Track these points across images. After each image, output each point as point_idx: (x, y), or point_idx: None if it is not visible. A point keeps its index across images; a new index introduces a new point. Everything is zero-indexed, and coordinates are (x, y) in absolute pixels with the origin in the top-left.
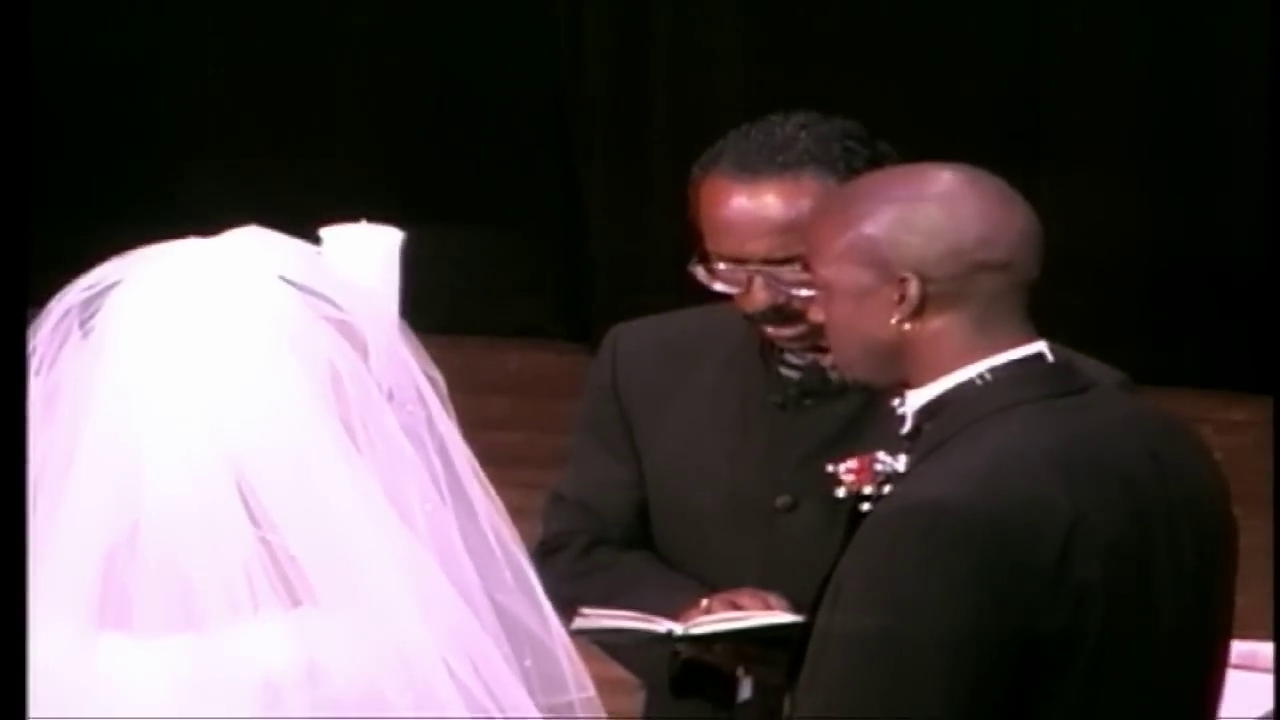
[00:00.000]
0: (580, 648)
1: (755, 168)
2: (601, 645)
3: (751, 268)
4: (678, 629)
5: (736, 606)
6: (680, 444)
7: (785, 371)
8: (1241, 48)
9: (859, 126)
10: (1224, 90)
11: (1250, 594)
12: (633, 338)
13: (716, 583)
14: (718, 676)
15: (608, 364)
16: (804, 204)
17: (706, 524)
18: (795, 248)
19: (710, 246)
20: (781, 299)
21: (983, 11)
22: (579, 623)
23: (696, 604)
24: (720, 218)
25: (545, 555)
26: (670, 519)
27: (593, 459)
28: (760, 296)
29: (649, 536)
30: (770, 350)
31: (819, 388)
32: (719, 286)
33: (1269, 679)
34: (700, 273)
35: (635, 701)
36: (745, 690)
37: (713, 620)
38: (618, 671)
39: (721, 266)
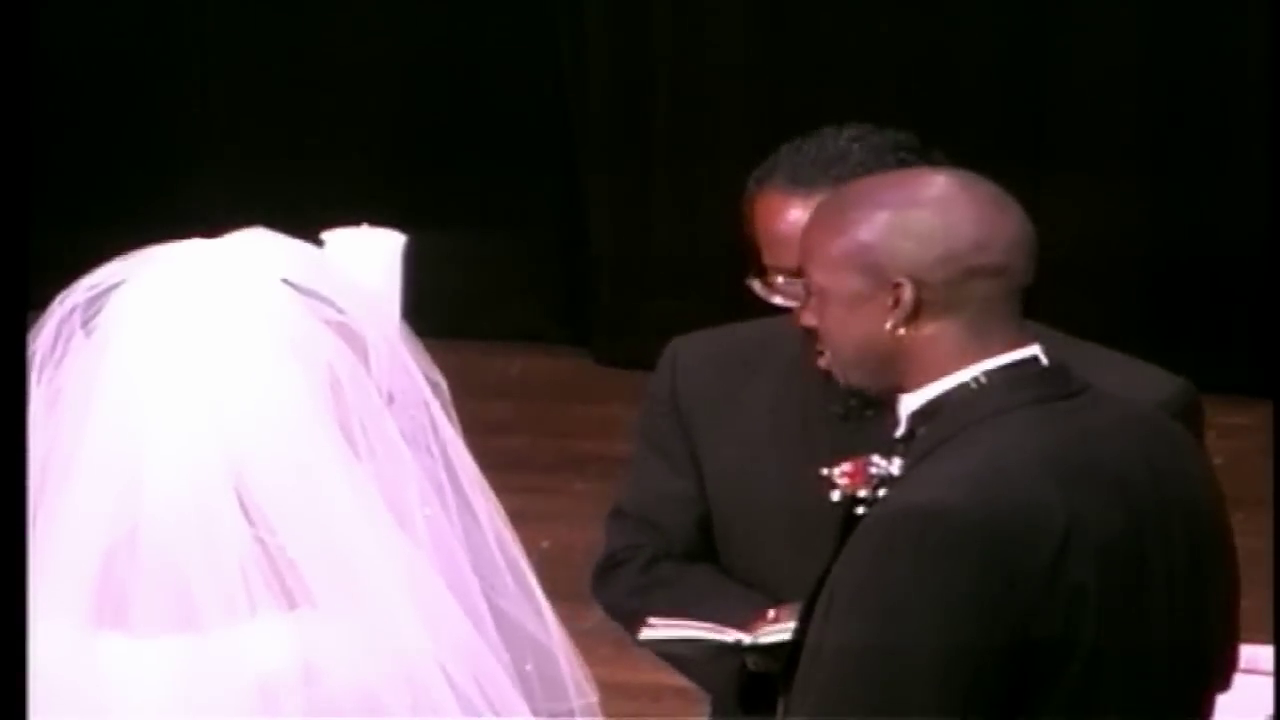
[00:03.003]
0: (584, 652)
1: (810, 181)
2: (667, 657)
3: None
4: (746, 639)
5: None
6: (741, 455)
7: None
8: (1246, 48)
9: (912, 138)
10: (1228, 93)
11: (1252, 598)
12: (691, 350)
13: (781, 594)
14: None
15: (667, 376)
16: None
17: (770, 535)
18: None
19: (768, 260)
20: None
21: (986, 12)
22: (646, 633)
23: (763, 614)
24: (777, 231)
25: (608, 570)
26: (733, 531)
27: (653, 472)
28: None
29: (711, 549)
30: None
31: (881, 398)
32: (777, 300)
33: (1269, 683)
34: (758, 287)
35: (639, 706)
36: None
37: (782, 629)
38: (622, 678)
39: (779, 280)
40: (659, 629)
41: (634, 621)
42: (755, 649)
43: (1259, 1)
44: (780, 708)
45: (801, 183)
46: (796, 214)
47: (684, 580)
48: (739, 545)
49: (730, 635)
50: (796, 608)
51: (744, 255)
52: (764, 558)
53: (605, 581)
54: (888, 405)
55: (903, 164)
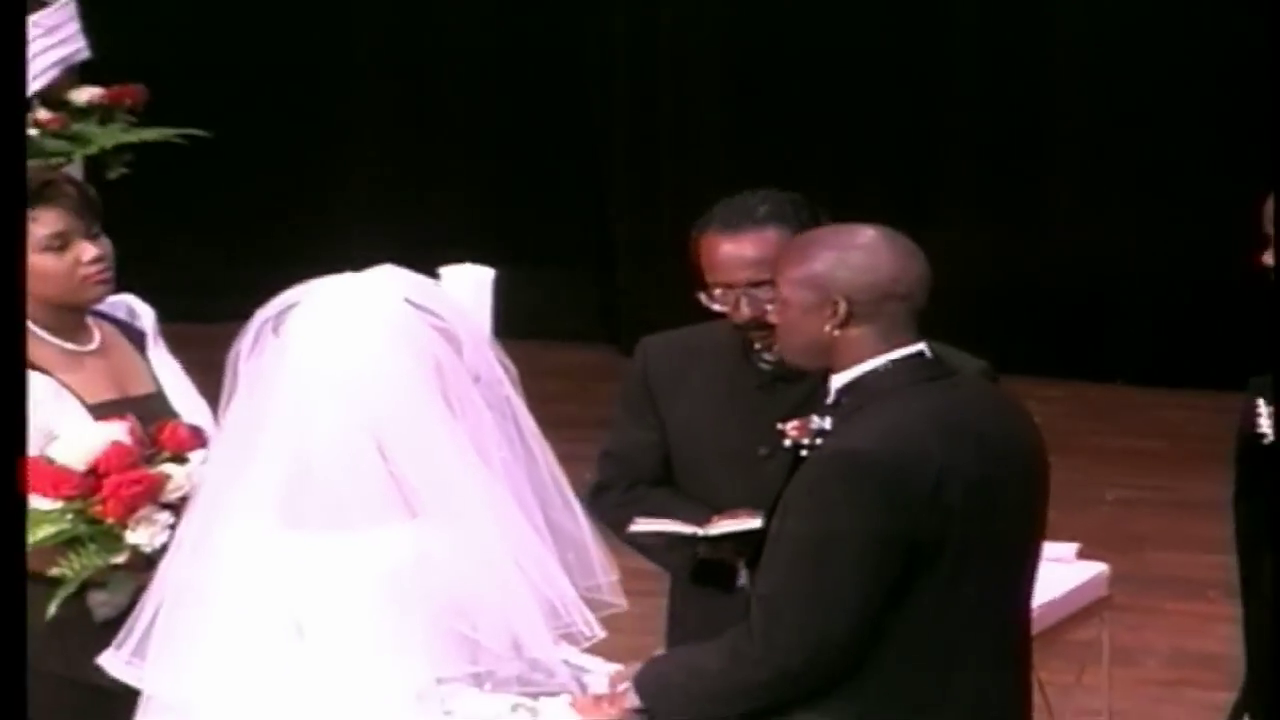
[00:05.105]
0: (609, 547)
1: (737, 224)
2: (641, 547)
3: (738, 291)
4: (701, 531)
5: (735, 519)
6: (691, 415)
7: (762, 365)
8: (1064, 109)
9: (802, 197)
10: (1042, 165)
11: (1057, 510)
12: (655, 345)
13: (718, 505)
14: (722, 571)
15: (640, 362)
16: (771, 245)
17: (712, 468)
18: (766, 275)
19: (709, 279)
20: (759, 311)
21: (884, 126)
22: (634, 527)
23: (710, 518)
24: (716, 259)
25: (598, 492)
26: (687, 465)
27: (630, 426)
28: (745, 311)
29: (669, 478)
30: (751, 351)
31: (786, 375)
32: (717, 307)
33: (1062, 567)
34: (704, 298)
35: (645, 585)
36: (742, 578)
37: (725, 526)
38: (632, 564)
39: (718, 292)
40: (642, 525)
41: (619, 525)
42: (707, 539)
43: (1069, 72)
44: (746, 579)
45: (731, 226)
46: (729, 247)
47: (653, 497)
48: (691, 475)
49: (689, 529)
50: (734, 514)
51: (695, 279)
52: (708, 482)
53: (597, 499)
54: (791, 382)
55: (798, 210)
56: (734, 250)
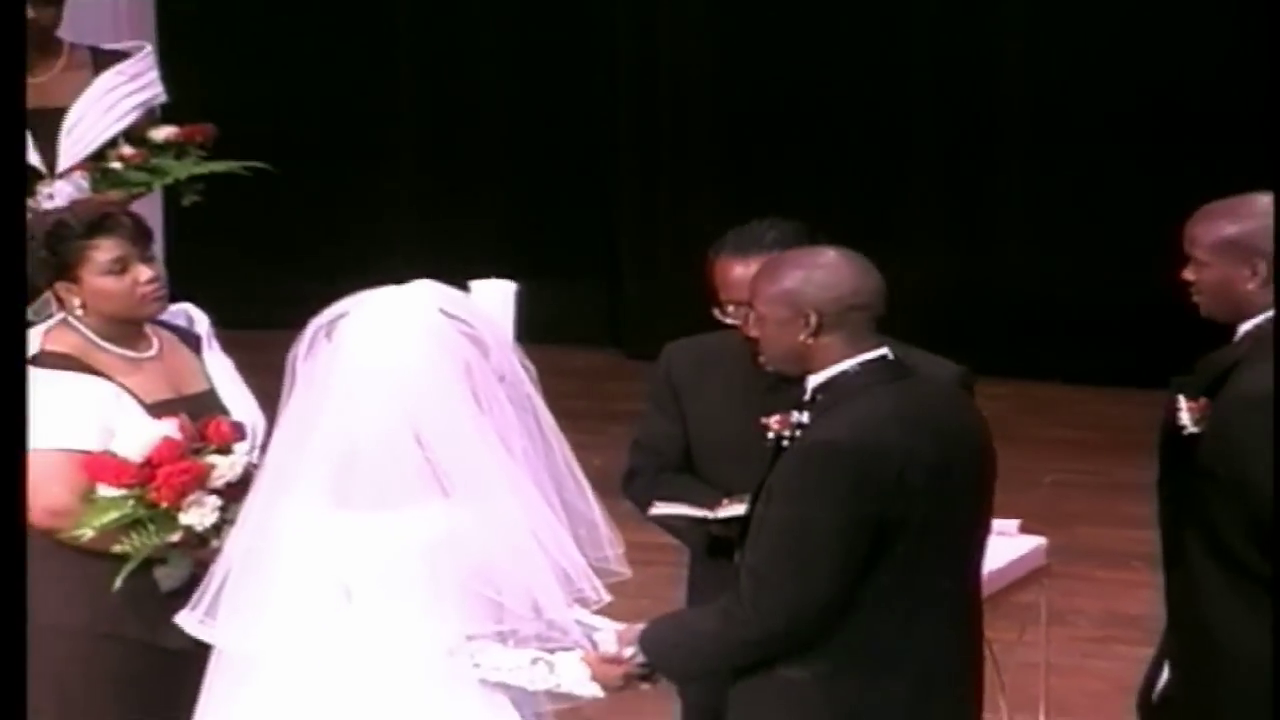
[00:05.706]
0: (616, 523)
1: (747, 249)
2: (665, 526)
3: (747, 309)
4: (712, 514)
5: (743, 503)
6: (710, 411)
7: (770, 369)
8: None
9: (803, 225)
10: (992, 194)
11: (1002, 492)
12: (677, 349)
13: (732, 491)
14: (732, 547)
15: (664, 365)
16: None
17: (726, 457)
18: None
19: (723, 297)
20: None
21: (856, 158)
22: (653, 510)
23: (720, 501)
24: (729, 279)
25: (631, 477)
26: (704, 455)
27: (656, 421)
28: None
29: (690, 466)
30: (760, 356)
31: (790, 379)
32: (730, 321)
33: (1010, 542)
34: (718, 313)
35: (647, 555)
36: None
37: (733, 509)
38: (636, 538)
39: (731, 308)
40: (661, 508)
41: (647, 506)
42: (717, 520)
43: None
44: (737, 556)
45: (742, 250)
46: (740, 268)
47: (675, 483)
48: (708, 462)
49: (702, 512)
50: (741, 498)
51: (709, 296)
52: (721, 469)
53: (629, 484)
54: (794, 384)
55: (799, 237)
56: (745, 272)
